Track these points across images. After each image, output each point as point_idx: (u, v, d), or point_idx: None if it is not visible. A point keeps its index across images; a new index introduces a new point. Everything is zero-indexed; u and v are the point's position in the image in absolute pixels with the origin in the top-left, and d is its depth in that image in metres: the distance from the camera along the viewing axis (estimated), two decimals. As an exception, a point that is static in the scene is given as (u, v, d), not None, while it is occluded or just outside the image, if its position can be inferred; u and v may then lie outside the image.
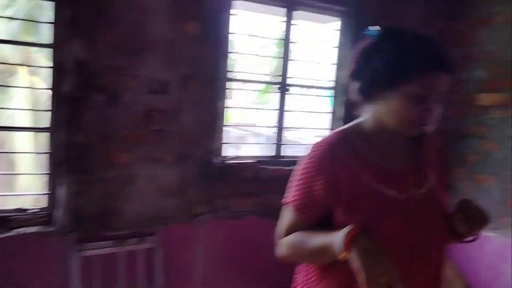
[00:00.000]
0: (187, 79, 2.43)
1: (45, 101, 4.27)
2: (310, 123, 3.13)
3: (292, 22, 2.76)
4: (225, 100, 2.61)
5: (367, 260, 0.93)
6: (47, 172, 2.25)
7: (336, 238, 1.00)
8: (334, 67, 2.98)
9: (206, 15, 2.44)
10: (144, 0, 2.28)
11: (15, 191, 6.62)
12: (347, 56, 2.89)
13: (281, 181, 2.70)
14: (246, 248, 2.70)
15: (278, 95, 2.82)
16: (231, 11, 2.55)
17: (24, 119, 7.01)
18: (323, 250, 1.04)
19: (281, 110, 2.81)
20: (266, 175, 2.72)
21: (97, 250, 2.29)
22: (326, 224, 1.09)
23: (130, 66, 2.29)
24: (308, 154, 1.14)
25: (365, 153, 1.11)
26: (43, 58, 6.66)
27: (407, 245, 1.06)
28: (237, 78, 2.75)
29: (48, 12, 2.23)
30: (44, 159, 2.29)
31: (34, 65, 7.08)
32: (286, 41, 2.75)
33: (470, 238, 1.12)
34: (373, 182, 1.07)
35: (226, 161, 2.64)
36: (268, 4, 2.71)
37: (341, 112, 2.96)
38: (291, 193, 1.15)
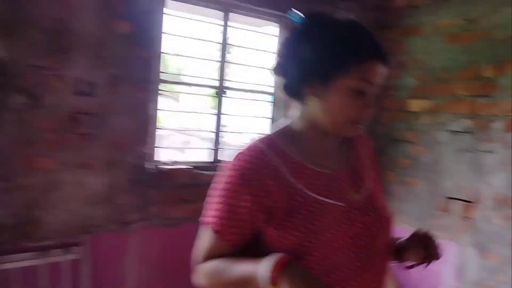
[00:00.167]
0: (116, 80, 2.32)
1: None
2: (251, 128, 3.11)
3: (229, 24, 2.73)
4: (158, 103, 2.52)
5: None
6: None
7: (261, 268, 0.86)
8: (278, 78, 2.98)
9: (137, 14, 2.35)
10: (69, -4, 2.16)
11: None
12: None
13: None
14: (181, 256, 2.58)
15: (215, 99, 2.77)
16: (164, 11, 2.47)
17: None
18: (246, 282, 0.91)
19: (219, 114, 2.76)
20: (203, 181, 2.65)
21: (16, 262, 2.12)
22: (253, 246, 0.96)
23: (54, 66, 2.15)
24: (230, 165, 0.97)
25: (297, 159, 0.98)
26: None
27: (351, 254, 0.95)
28: (171, 80, 2.67)
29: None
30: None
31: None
32: (223, 44, 2.71)
33: (411, 264, 1.07)
34: (309, 190, 0.95)
35: (160, 167, 2.55)
36: (203, 6, 2.66)
37: (279, 117, 2.96)
38: (210, 212, 0.98)
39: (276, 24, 2.95)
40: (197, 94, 2.92)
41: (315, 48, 0.94)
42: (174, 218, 2.60)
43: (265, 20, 2.94)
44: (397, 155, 3.14)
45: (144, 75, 2.43)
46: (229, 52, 2.77)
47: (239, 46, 2.91)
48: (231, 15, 2.74)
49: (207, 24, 2.79)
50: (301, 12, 0.99)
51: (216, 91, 2.73)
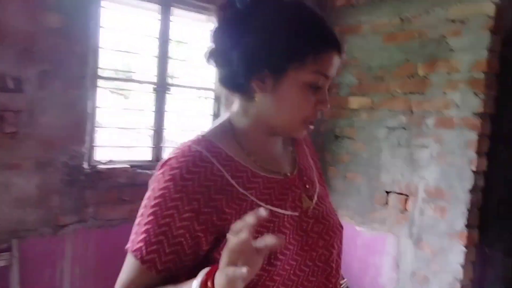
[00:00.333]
0: (47, 76, 2.19)
1: None
2: (194, 125, 3.06)
3: (171, 19, 2.67)
4: (96, 100, 2.42)
5: None
6: None
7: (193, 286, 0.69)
8: (215, 69, 2.95)
9: (69, 7, 2.24)
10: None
11: None
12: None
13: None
14: (122, 259, 2.54)
15: (155, 96, 2.70)
16: (101, 4, 2.37)
17: None
18: None
19: (160, 112, 2.69)
20: (143, 181, 2.57)
21: None
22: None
23: (-24, 60, 2.01)
24: (159, 175, 0.78)
25: (244, 164, 0.83)
26: None
27: (306, 269, 0.84)
28: (111, 76, 2.57)
29: None
30: None
31: None
32: (163, 39, 2.64)
33: None
34: (262, 202, 0.82)
35: (97, 166, 2.45)
36: (142, -1, 2.58)
37: (223, 114, 2.94)
38: (136, 236, 0.78)
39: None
40: (138, 91, 2.82)
41: (263, 34, 0.79)
42: (112, 219, 2.51)
43: (208, 15, 2.90)
44: (338, 151, 3.21)
45: (79, 70, 2.32)
46: (171, 48, 2.71)
47: (181, 42, 2.86)
48: (174, 10, 2.68)
49: (148, 19, 2.71)
50: None
51: (157, 87, 2.66)
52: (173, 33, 2.70)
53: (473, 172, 2.51)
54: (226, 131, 0.87)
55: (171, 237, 0.75)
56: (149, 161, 2.68)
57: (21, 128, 2.15)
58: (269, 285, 0.78)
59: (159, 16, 2.64)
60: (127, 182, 2.54)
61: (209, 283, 0.66)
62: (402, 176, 2.84)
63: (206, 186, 0.77)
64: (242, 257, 0.62)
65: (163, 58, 2.65)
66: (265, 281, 0.78)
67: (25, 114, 2.15)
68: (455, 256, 2.57)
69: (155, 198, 0.76)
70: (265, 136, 0.88)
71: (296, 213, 0.86)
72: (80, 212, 2.39)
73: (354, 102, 3.13)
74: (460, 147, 2.55)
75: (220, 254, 0.67)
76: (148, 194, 0.79)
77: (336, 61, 0.83)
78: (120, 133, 3.10)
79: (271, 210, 0.81)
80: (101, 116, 2.55)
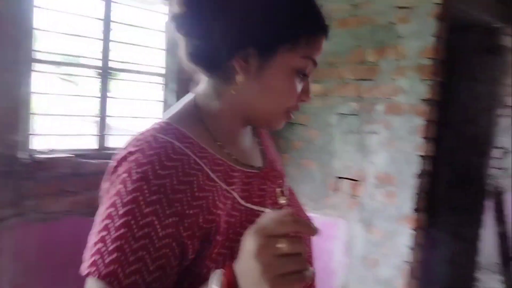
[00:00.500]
0: (-26, 59, 2.03)
1: None
2: (140, 112, 2.95)
3: (114, 0, 2.53)
4: (31, 85, 2.26)
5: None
6: None
7: None
8: (164, 52, 2.85)
9: (-2, -16, 2.07)
10: None
11: None
12: (176, 42, 2.77)
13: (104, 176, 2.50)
14: (65, 253, 2.41)
15: (100, 81, 2.57)
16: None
17: None
18: None
19: (104, 98, 2.56)
20: (88, 170, 2.46)
21: None
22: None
23: None
24: (122, 178, 0.63)
25: (219, 156, 0.72)
26: None
27: None
28: (48, 60, 2.41)
29: None
30: None
31: None
32: (106, 21, 2.50)
33: None
34: (244, 200, 0.72)
35: (35, 156, 2.31)
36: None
37: (173, 101, 2.84)
38: (103, 258, 0.59)
39: (166, 2, 2.81)
40: (84, 77, 2.68)
41: (255, 6, 0.68)
42: (54, 212, 2.38)
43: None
44: (291, 138, 3.20)
45: (12, 54, 2.15)
46: (116, 31, 2.57)
47: (126, 24, 2.72)
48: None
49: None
50: None
51: (101, 72, 2.53)
52: (117, 15, 2.57)
53: (421, 157, 2.57)
54: (192, 116, 0.74)
55: (153, 250, 0.59)
56: (94, 149, 2.56)
57: None
58: None
59: (101, -3, 2.49)
60: (70, 172, 2.41)
61: None
62: (353, 162, 2.87)
63: (187, 182, 0.63)
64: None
65: (106, 41, 2.51)
66: None
67: (-50, 101, 1.98)
68: (403, 239, 2.63)
69: (125, 204, 0.60)
70: (239, 124, 0.78)
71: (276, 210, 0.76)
72: (18, 205, 2.24)
73: (307, 88, 3.12)
74: (408, 133, 2.59)
75: (209, 262, 0.61)
76: (109, 201, 0.62)
77: (322, 43, 0.73)
78: (64, 121, 2.94)
79: (251, 209, 0.72)
80: (45, 103, 2.40)
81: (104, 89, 2.55)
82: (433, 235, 3.41)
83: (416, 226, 2.62)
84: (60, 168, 2.38)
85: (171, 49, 2.83)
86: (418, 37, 2.53)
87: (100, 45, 2.50)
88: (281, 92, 0.72)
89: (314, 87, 3.07)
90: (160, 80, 2.87)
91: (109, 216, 0.61)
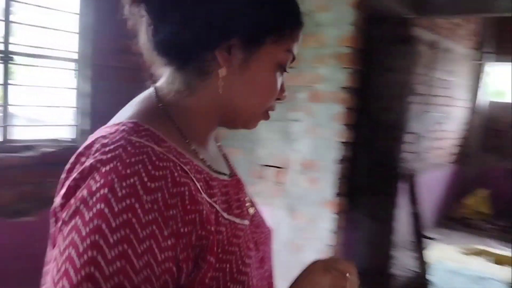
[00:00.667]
0: None
1: None
2: (49, 101, 2.72)
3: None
4: None
5: None
6: None
7: None
8: (77, 36, 2.64)
9: None
10: None
11: None
12: (91, 25, 2.58)
13: (11, 172, 2.27)
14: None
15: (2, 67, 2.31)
16: None
17: None
18: None
19: (5, 84, 2.31)
20: (-11, 164, 2.22)
21: None
22: None
23: None
24: (102, 196, 0.51)
25: (196, 163, 0.63)
26: None
27: (264, 286, 0.72)
28: None
29: None
30: None
31: None
32: (6, 1, 2.25)
33: None
34: (225, 212, 0.65)
35: None
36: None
37: (87, 88, 2.65)
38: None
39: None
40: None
41: None
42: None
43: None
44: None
45: None
46: (20, 12, 2.33)
47: (31, 4, 2.47)
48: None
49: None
50: None
51: (1, 56, 2.28)
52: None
53: (341, 143, 2.64)
54: (159, 115, 0.63)
55: (155, 279, 0.50)
56: (-4, 142, 2.31)
57: None
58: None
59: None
60: (-33, 168, 2.16)
61: None
62: (277, 149, 2.89)
63: (177, 194, 0.54)
64: None
65: (7, 22, 2.27)
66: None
67: None
68: (326, 223, 2.70)
69: (115, 230, 0.49)
70: (213, 125, 0.70)
71: (247, 222, 0.71)
72: None
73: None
74: (329, 120, 2.66)
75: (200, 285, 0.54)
76: (86, 226, 0.49)
77: (300, 37, 0.69)
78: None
79: (233, 222, 0.65)
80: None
81: (6, 75, 2.30)
82: (353, 218, 3.56)
83: (338, 210, 2.70)
84: (-45, 163, 2.12)
85: (84, 33, 2.63)
86: (337, 25, 2.58)
87: (0, 26, 2.25)
88: (265, 87, 0.67)
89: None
90: (73, 66, 2.66)
91: (94, 246, 0.48)
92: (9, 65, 2.31)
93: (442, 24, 5.10)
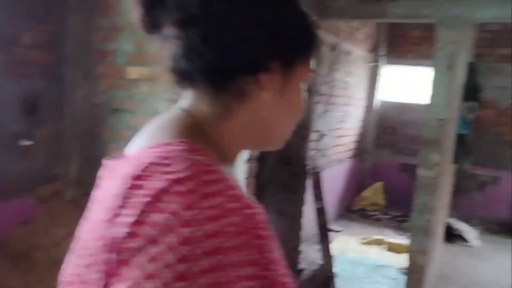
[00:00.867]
0: None
1: None
2: None
3: None
4: None
5: None
6: None
7: None
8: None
9: None
10: None
11: None
12: None
13: None
14: None
15: None
16: None
17: None
18: None
19: None
20: None
21: None
22: None
23: None
24: (185, 219, 0.47)
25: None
26: None
27: None
28: None
29: None
30: None
31: None
32: None
33: None
34: None
35: None
36: None
37: None
38: None
39: None
40: None
41: (275, 10, 0.60)
42: None
43: None
44: (118, 126, 2.94)
45: None
46: None
47: None
48: None
49: None
50: None
51: None
52: None
53: (249, 142, 2.63)
54: (199, 137, 0.60)
55: None
56: None
57: None
58: None
59: None
60: None
61: None
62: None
63: (256, 218, 0.52)
64: None
65: None
66: None
67: None
68: (235, 224, 2.67)
69: (213, 269, 0.46)
70: (243, 148, 0.68)
71: None
72: None
73: (133, 72, 2.89)
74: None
75: None
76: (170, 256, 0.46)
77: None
78: None
79: None
80: None
81: None
82: (262, 216, 3.59)
83: (247, 209, 2.69)
84: None
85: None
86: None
87: None
88: (297, 107, 0.67)
89: (141, 71, 2.87)
90: None
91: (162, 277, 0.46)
92: None
93: (342, 27, 5.37)
